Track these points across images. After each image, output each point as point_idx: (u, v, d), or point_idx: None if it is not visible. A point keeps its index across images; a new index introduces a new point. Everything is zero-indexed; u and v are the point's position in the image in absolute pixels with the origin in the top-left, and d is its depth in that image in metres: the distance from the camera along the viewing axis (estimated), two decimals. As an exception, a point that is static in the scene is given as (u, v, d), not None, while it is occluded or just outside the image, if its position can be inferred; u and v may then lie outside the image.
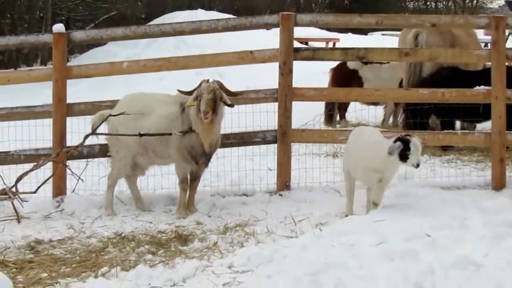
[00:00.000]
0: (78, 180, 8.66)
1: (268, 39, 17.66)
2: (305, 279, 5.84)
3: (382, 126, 13.71)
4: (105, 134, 8.78)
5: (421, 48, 11.88)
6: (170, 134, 8.35)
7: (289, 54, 9.26)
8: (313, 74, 16.26)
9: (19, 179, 8.37)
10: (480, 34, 14.41)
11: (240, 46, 11.55)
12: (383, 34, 35.61)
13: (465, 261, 5.94)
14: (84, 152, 9.28)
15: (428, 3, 57.27)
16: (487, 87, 9.34)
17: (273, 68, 9.59)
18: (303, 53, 9.55)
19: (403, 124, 12.25)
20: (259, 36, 19.36)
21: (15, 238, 7.62)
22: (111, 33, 9.70)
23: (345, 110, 14.36)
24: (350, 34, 34.96)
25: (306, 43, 28.32)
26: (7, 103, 10.30)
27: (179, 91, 8.45)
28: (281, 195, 9.15)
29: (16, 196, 8.27)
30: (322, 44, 29.34)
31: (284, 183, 9.28)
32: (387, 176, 7.64)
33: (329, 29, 31.65)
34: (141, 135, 8.40)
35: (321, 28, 29.51)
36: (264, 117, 9.88)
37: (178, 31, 9.70)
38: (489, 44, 9.61)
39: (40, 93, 14.62)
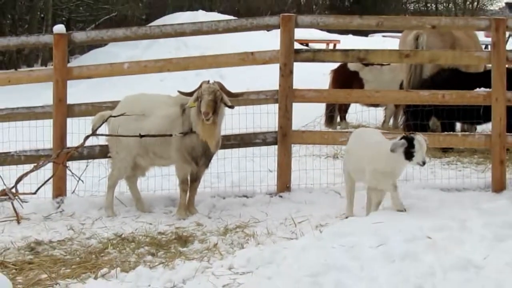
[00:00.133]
0: (78, 181, 8.66)
1: (268, 40, 17.63)
2: (305, 281, 5.85)
3: (383, 127, 13.72)
4: (106, 135, 8.78)
5: (422, 49, 11.88)
6: (171, 135, 8.35)
7: (289, 55, 9.26)
8: (314, 76, 16.24)
9: (19, 180, 8.37)
10: (481, 36, 14.39)
11: (240, 47, 11.56)
12: (383, 36, 35.56)
13: (465, 262, 5.95)
14: (84, 153, 9.28)
15: (429, 5, 57.30)
16: (487, 89, 9.34)
17: (273, 70, 9.59)
18: (304, 55, 9.55)
19: (403, 126, 12.25)
20: (260, 37, 19.38)
21: (15, 239, 7.62)
22: (112, 34, 9.70)
23: (346, 111, 14.36)
24: (350, 36, 34.94)
25: (307, 45, 28.31)
26: (7, 104, 10.29)
27: (180, 92, 8.45)
28: (281, 196, 9.15)
29: (16, 197, 8.27)
30: (322, 46, 29.32)
31: (284, 184, 9.28)
32: (394, 177, 7.65)
33: (329, 31, 31.65)
34: (141, 136, 8.40)
35: (321, 29, 29.39)
36: (265, 118, 9.88)
37: (179, 32, 9.70)
38: (489, 46, 9.61)
39: (40, 94, 14.62)
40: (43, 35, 10.44)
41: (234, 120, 9.52)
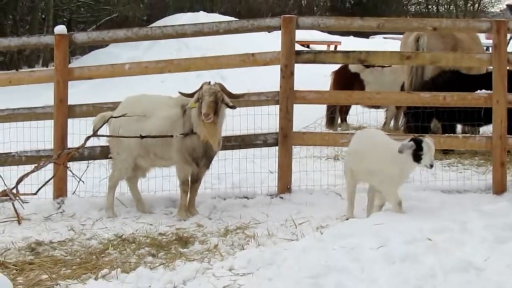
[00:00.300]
0: (79, 182, 8.66)
1: (269, 41, 17.65)
2: (306, 282, 5.85)
3: (384, 129, 13.70)
4: (106, 136, 8.78)
5: (423, 51, 11.88)
6: (172, 136, 8.36)
7: (290, 57, 9.27)
8: (315, 77, 16.24)
9: (19, 180, 8.37)
10: (482, 38, 14.39)
11: (241, 48, 11.59)
12: (384, 38, 35.57)
13: (466, 264, 5.95)
14: (85, 154, 9.28)
15: (430, 6, 57.37)
16: (488, 91, 9.34)
17: (274, 71, 9.59)
18: (305, 56, 9.56)
19: (404, 128, 12.25)
20: (261, 38, 19.39)
21: (16, 240, 7.62)
22: (113, 35, 9.70)
23: (346, 113, 14.36)
24: (351, 37, 34.93)
25: (308, 46, 28.33)
26: (8, 104, 10.29)
27: (181, 93, 8.45)
28: (282, 197, 9.15)
29: (17, 198, 8.26)
30: (323, 47, 29.34)
31: (285, 185, 9.28)
32: (402, 178, 7.66)
33: (330, 32, 31.71)
34: (142, 137, 8.40)
35: (322, 31, 29.47)
36: (266, 119, 9.89)
37: (180, 33, 9.70)
38: (490, 48, 9.61)
39: (41, 94, 14.65)
40: (44, 35, 10.44)
41: (235, 121, 9.53)
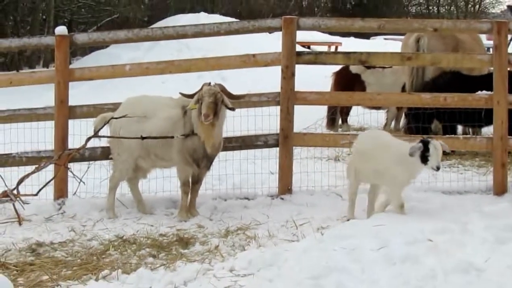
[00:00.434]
0: (79, 183, 8.66)
1: (270, 42, 17.68)
2: (306, 283, 5.85)
3: (384, 130, 13.69)
4: (107, 137, 8.78)
5: (423, 52, 11.88)
6: (172, 137, 8.36)
7: (291, 57, 9.26)
8: (315, 78, 16.23)
9: (20, 181, 8.38)
10: (483, 39, 14.38)
11: (242, 49, 11.59)
12: (385, 39, 35.58)
13: (467, 265, 5.96)
14: (86, 155, 9.28)
15: (431, 7, 57.34)
16: (489, 92, 9.34)
17: (275, 72, 9.59)
18: (306, 57, 9.56)
19: (405, 129, 12.25)
20: (262, 39, 19.40)
21: (16, 240, 7.62)
22: (114, 36, 9.71)
23: (347, 114, 14.37)
24: (352, 38, 34.91)
25: (309, 47, 28.32)
26: (9, 105, 10.29)
27: (181, 94, 8.45)
28: (282, 198, 9.15)
29: (18, 198, 8.27)
30: (324, 48, 29.32)
31: (285, 186, 9.28)
32: (408, 179, 7.67)
33: (331, 33, 31.69)
34: (143, 138, 8.40)
35: (323, 32, 29.48)
36: (266, 120, 9.89)
37: (180, 34, 9.70)
38: (491, 49, 9.61)
39: (42, 95, 14.65)
40: (45, 36, 10.46)
41: (235, 122, 9.53)
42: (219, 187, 9.57)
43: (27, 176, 8.44)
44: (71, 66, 10.02)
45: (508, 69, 9.32)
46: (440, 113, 11.08)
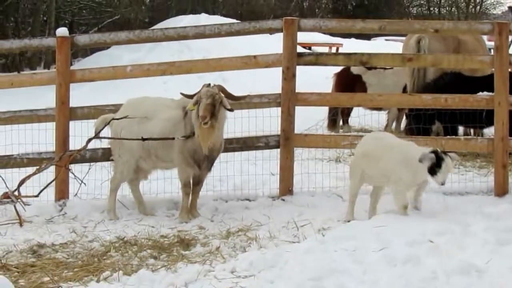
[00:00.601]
0: (80, 184, 8.64)
1: (271, 43, 17.68)
2: (308, 284, 5.85)
3: (385, 131, 13.69)
4: (108, 138, 8.79)
5: (424, 53, 11.87)
6: (173, 138, 8.35)
7: (292, 59, 9.26)
8: (316, 79, 16.24)
9: (21, 182, 8.37)
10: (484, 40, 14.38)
11: (243, 50, 11.58)
12: (386, 40, 35.62)
13: (468, 266, 5.95)
14: (86, 156, 9.28)
15: (432, 8, 57.35)
16: (490, 93, 9.34)
17: (276, 73, 9.58)
18: (306, 58, 9.56)
19: (405, 130, 12.24)
20: (263, 40, 19.40)
21: (17, 242, 7.62)
22: (115, 37, 9.71)
23: (348, 115, 14.37)
24: (353, 39, 34.94)
25: (309, 48, 28.32)
26: (10, 107, 10.30)
27: (182, 94, 8.44)
28: (283, 200, 9.15)
29: (19, 200, 8.26)
30: (325, 49, 29.31)
31: (286, 188, 9.28)
32: (413, 182, 7.67)
33: (332, 34, 31.69)
34: (144, 139, 8.41)
35: (324, 33, 29.51)
36: (267, 121, 9.88)
37: (181, 35, 9.69)
38: (492, 50, 9.60)
39: (43, 97, 14.62)
40: (46, 38, 10.43)
41: (236, 124, 9.52)
42: (220, 188, 9.57)
43: (28, 177, 8.44)
44: (72, 68, 10.04)
45: (509, 70, 9.32)
46: (441, 114, 11.07)
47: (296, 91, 9.33)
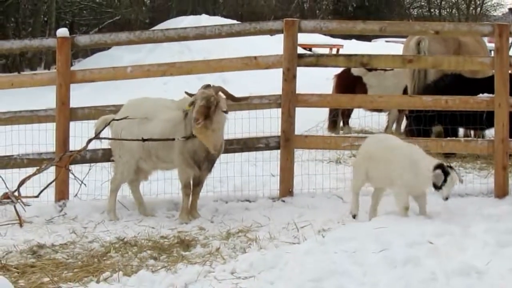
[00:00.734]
0: (81, 185, 8.63)
1: (272, 45, 17.66)
2: (308, 286, 5.85)
3: (385, 132, 13.69)
4: (107, 139, 8.79)
5: (424, 55, 11.87)
6: (173, 139, 8.35)
7: (292, 60, 9.26)
8: (317, 80, 16.25)
9: (21, 183, 8.36)
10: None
11: (243, 51, 11.56)
12: (386, 41, 35.62)
13: (468, 268, 5.95)
14: (87, 157, 9.28)
15: (432, 10, 57.36)
16: (491, 95, 9.34)
17: (276, 74, 9.59)
18: (307, 59, 9.56)
19: (406, 131, 12.24)
20: (263, 41, 19.38)
21: (17, 242, 7.62)
22: (115, 38, 9.71)
23: (349, 116, 14.37)
24: (353, 41, 34.97)
25: (310, 49, 28.34)
26: (10, 107, 10.30)
27: (186, 93, 8.40)
28: (283, 201, 9.14)
29: (19, 200, 8.25)
30: (325, 51, 29.33)
31: (287, 189, 9.28)
32: (416, 186, 7.68)
33: (332, 36, 31.66)
34: (144, 140, 8.41)
35: (325, 34, 29.52)
36: (267, 123, 9.88)
37: (182, 36, 9.70)
38: (492, 52, 9.61)
39: (43, 97, 14.62)
40: (46, 38, 10.44)
41: (237, 125, 9.52)
42: (220, 189, 9.57)
43: (28, 178, 8.43)
44: (72, 68, 10.04)
45: (510, 71, 9.33)
46: (441, 115, 11.07)
47: (297, 92, 9.33)
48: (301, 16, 43.29)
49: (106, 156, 9.19)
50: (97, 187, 9.42)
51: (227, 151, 9.00)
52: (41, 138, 9.80)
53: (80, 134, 9.38)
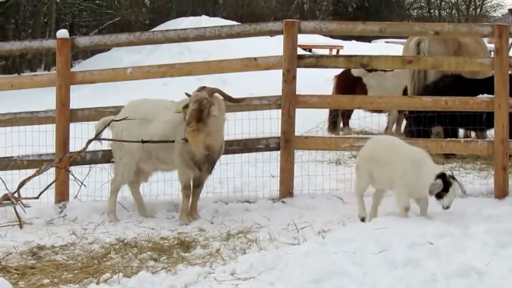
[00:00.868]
0: (80, 186, 8.64)
1: (271, 45, 17.65)
2: (308, 287, 5.85)
3: (385, 133, 13.70)
4: (107, 140, 8.78)
5: (424, 56, 11.88)
6: (173, 141, 8.34)
7: (292, 61, 9.27)
8: (317, 81, 16.24)
9: (21, 184, 8.37)
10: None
11: (243, 52, 11.56)
12: (386, 42, 35.61)
13: (468, 269, 5.95)
14: (87, 158, 9.28)
15: (432, 11, 57.37)
16: (490, 95, 9.34)
17: (276, 75, 9.59)
18: (307, 60, 9.56)
19: (405, 132, 12.24)
20: (263, 42, 19.37)
21: (17, 244, 7.61)
22: (115, 39, 9.71)
23: (349, 117, 14.36)
24: (353, 42, 34.97)
25: (310, 50, 28.33)
26: (10, 108, 10.29)
27: (187, 94, 8.39)
28: (284, 202, 9.14)
29: (19, 202, 8.26)
30: (325, 51, 29.33)
31: (287, 190, 9.28)
32: (416, 188, 7.67)
33: (332, 36, 31.59)
34: (143, 141, 8.40)
35: (324, 35, 29.45)
36: (267, 124, 9.88)
37: (182, 37, 9.71)
38: (492, 53, 9.61)
39: (42, 98, 14.61)
40: (46, 39, 10.46)
41: (237, 126, 9.52)
42: (220, 190, 9.57)
43: (28, 179, 8.44)
44: (72, 69, 10.04)
45: (510, 72, 9.33)
46: (441, 116, 11.07)
47: (297, 93, 9.33)
48: (301, 17, 43.35)
49: (106, 157, 9.19)
50: (97, 189, 9.42)
51: (227, 152, 9.00)
52: (41, 140, 9.79)
53: (80, 135, 9.37)
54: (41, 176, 8.67)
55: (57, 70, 9.39)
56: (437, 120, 11.40)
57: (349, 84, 13.90)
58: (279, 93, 9.35)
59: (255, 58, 9.47)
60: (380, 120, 14.03)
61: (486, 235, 6.79)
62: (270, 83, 12.33)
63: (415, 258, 6.16)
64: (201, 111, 7.95)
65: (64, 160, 8.78)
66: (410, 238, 6.57)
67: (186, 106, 8.08)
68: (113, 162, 8.93)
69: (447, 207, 7.46)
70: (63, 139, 9.24)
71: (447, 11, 57.64)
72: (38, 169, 8.54)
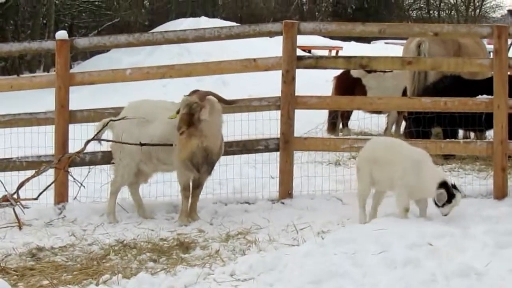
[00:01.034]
0: (80, 187, 8.64)
1: (271, 46, 17.64)
2: (307, 288, 5.85)
3: (385, 134, 13.71)
4: (106, 141, 8.78)
5: (424, 57, 11.88)
6: (171, 145, 8.32)
7: (292, 62, 9.27)
8: (316, 82, 16.24)
9: (20, 185, 8.36)
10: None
11: (243, 53, 11.57)
12: (386, 43, 35.59)
13: (467, 269, 5.96)
14: (86, 159, 9.27)
15: (431, 12, 57.38)
16: (490, 96, 9.34)
17: (276, 76, 9.59)
18: (306, 61, 9.56)
19: (405, 133, 12.24)
20: (262, 43, 19.39)
21: (17, 245, 7.61)
22: (114, 40, 9.72)
23: (348, 118, 14.35)
24: (353, 43, 34.95)
25: (309, 51, 28.30)
26: (10, 110, 10.29)
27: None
28: (283, 203, 9.14)
29: (18, 203, 8.25)
30: (325, 52, 29.31)
31: (286, 191, 9.28)
32: (416, 189, 7.67)
33: (332, 37, 31.66)
34: (141, 144, 8.39)
35: (324, 36, 29.46)
36: (267, 125, 9.89)
37: (181, 38, 9.71)
38: (491, 53, 9.61)
39: (42, 99, 14.62)
40: (45, 41, 10.47)
41: (236, 127, 9.52)
42: (219, 191, 9.56)
43: (27, 180, 8.43)
44: (71, 71, 10.04)
45: (509, 73, 9.33)
46: (440, 117, 11.07)
47: (296, 94, 9.33)
48: (300, 18, 43.32)
49: (105, 158, 9.18)
50: (96, 190, 9.42)
51: (226, 153, 8.99)
52: (40, 141, 9.78)
53: (80, 136, 9.37)
54: (40, 177, 8.66)
55: (56, 71, 9.39)
56: (436, 121, 11.40)
57: (348, 85, 13.89)
58: (279, 94, 9.35)
59: (254, 59, 9.48)
60: (379, 121, 14.02)
61: (486, 235, 6.80)
62: (270, 84, 12.35)
63: (415, 258, 6.16)
64: (191, 115, 7.95)
65: (63, 161, 8.77)
66: (410, 238, 6.57)
67: (178, 111, 8.07)
68: (112, 163, 8.92)
69: (446, 215, 7.49)
70: (62, 140, 9.24)
71: (446, 12, 57.66)
72: (37, 170, 8.53)
